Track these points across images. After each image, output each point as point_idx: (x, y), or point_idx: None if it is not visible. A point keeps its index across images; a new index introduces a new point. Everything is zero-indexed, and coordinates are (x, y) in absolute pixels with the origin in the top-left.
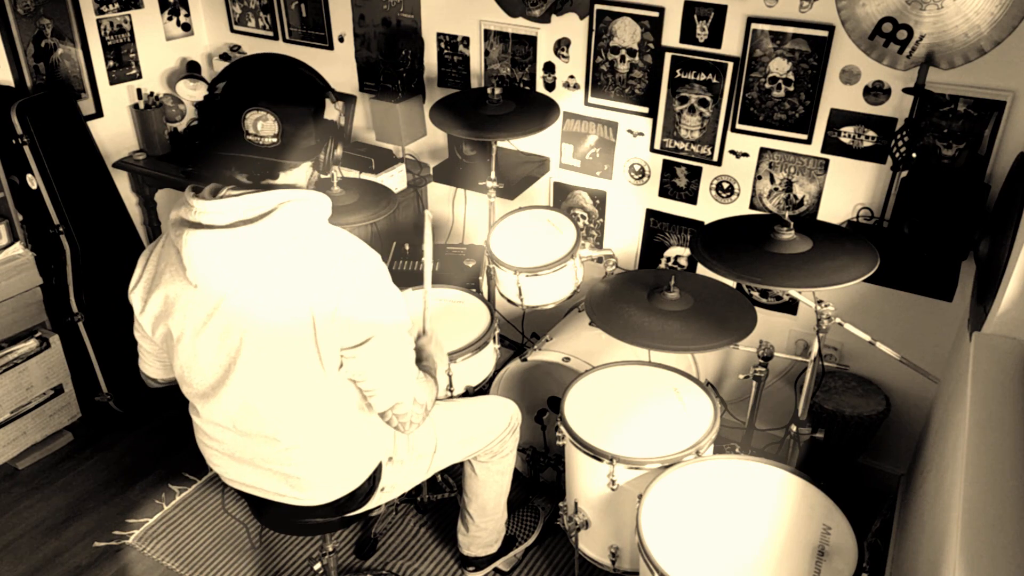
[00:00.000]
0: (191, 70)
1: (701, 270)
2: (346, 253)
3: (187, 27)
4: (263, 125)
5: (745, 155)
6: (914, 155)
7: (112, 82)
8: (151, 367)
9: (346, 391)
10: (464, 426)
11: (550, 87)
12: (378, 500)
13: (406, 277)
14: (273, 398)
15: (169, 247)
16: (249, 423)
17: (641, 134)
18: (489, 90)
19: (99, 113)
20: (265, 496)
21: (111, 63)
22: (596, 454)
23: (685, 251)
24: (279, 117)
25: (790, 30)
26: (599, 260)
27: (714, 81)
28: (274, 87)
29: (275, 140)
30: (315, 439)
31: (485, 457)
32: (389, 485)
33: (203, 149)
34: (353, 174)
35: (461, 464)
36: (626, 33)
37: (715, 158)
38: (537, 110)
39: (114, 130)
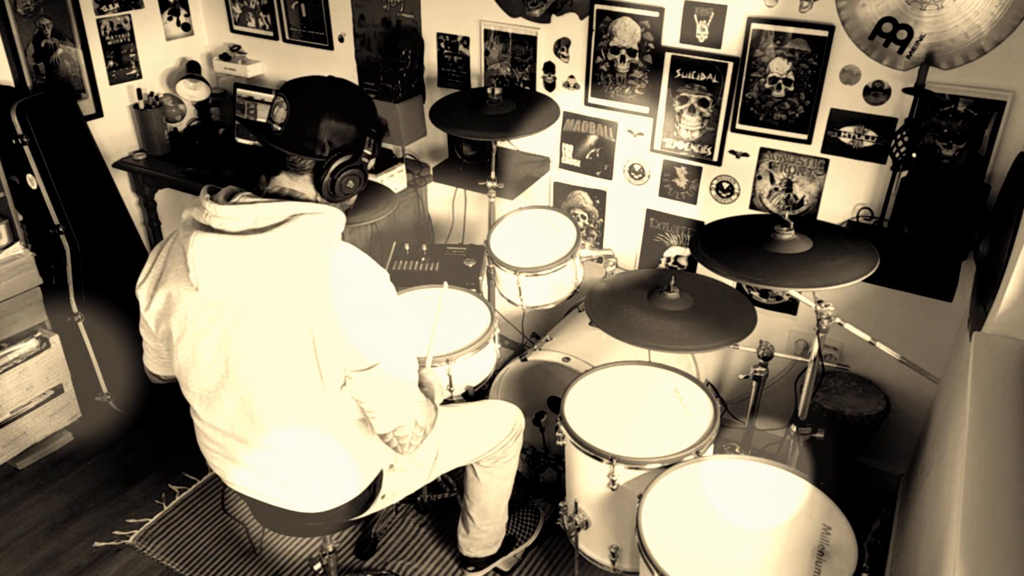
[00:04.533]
0: (191, 70)
1: (701, 270)
2: (356, 276)
3: (187, 27)
4: (278, 111)
5: (745, 155)
6: (914, 155)
7: (112, 82)
8: (154, 363)
9: (346, 405)
10: (466, 432)
11: (550, 87)
12: (378, 506)
13: (406, 277)
14: (270, 408)
15: (178, 246)
16: (245, 430)
17: (641, 134)
18: (489, 90)
19: (99, 113)
20: (265, 501)
21: (111, 63)
22: (596, 454)
23: (685, 251)
24: (290, 105)
25: (790, 30)
26: (599, 260)
27: (714, 81)
28: (306, 85)
29: (280, 128)
30: (314, 449)
31: (488, 462)
32: (390, 492)
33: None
34: None
35: (463, 465)
36: (626, 33)
37: (715, 158)
38: (537, 110)
39: (114, 130)
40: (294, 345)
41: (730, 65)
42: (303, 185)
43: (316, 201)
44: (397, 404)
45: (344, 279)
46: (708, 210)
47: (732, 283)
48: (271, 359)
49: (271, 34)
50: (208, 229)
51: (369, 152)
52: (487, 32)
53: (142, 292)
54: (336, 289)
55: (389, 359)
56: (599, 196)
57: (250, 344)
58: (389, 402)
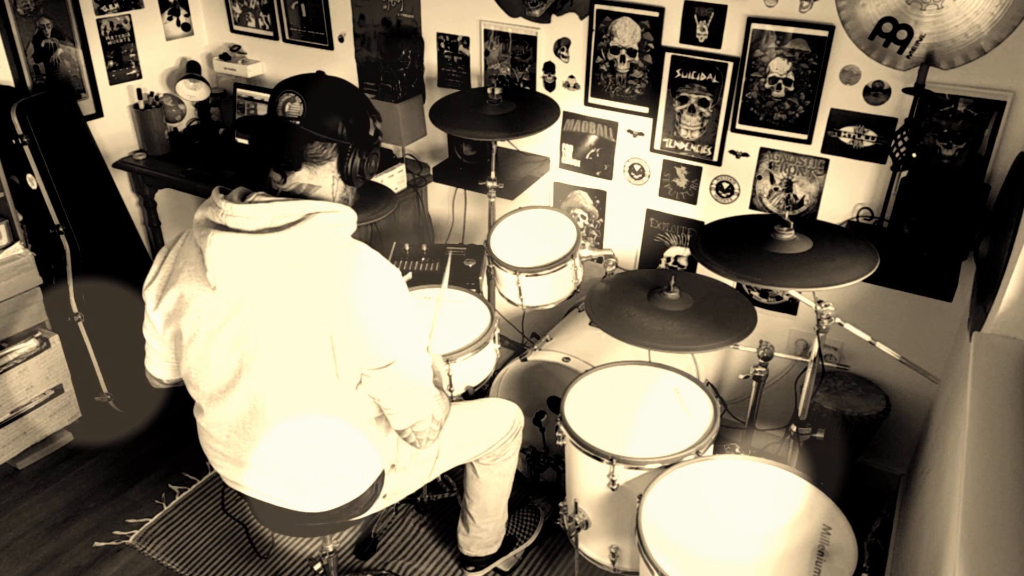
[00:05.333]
0: (191, 70)
1: (701, 270)
2: (373, 274)
3: (187, 27)
4: (290, 106)
5: (745, 155)
6: (914, 155)
7: (112, 82)
8: (158, 367)
9: (357, 403)
10: (466, 430)
11: (550, 87)
12: (379, 506)
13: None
14: (281, 406)
15: (190, 246)
16: (256, 428)
17: (641, 134)
18: (489, 90)
19: (99, 113)
20: (267, 500)
21: (111, 63)
22: (596, 454)
23: (685, 251)
24: (304, 97)
25: (790, 30)
26: (599, 260)
27: (714, 81)
28: (309, 80)
29: (299, 120)
30: (321, 448)
31: (487, 460)
32: (391, 492)
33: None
34: None
35: (463, 464)
36: (626, 33)
37: (715, 158)
38: (537, 110)
39: (114, 130)
40: (312, 343)
41: (730, 65)
42: (323, 177)
43: (332, 198)
44: (415, 400)
45: (362, 277)
46: (708, 210)
47: (732, 283)
48: (287, 357)
49: (271, 34)
50: (224, 229)
51: (380, 132)
52: (487, 32)
53: (149, 293)
54: (355, 288)
55: (406, 356)
56: (599, 196)
57: (267, 342)
58: (407, 399)
